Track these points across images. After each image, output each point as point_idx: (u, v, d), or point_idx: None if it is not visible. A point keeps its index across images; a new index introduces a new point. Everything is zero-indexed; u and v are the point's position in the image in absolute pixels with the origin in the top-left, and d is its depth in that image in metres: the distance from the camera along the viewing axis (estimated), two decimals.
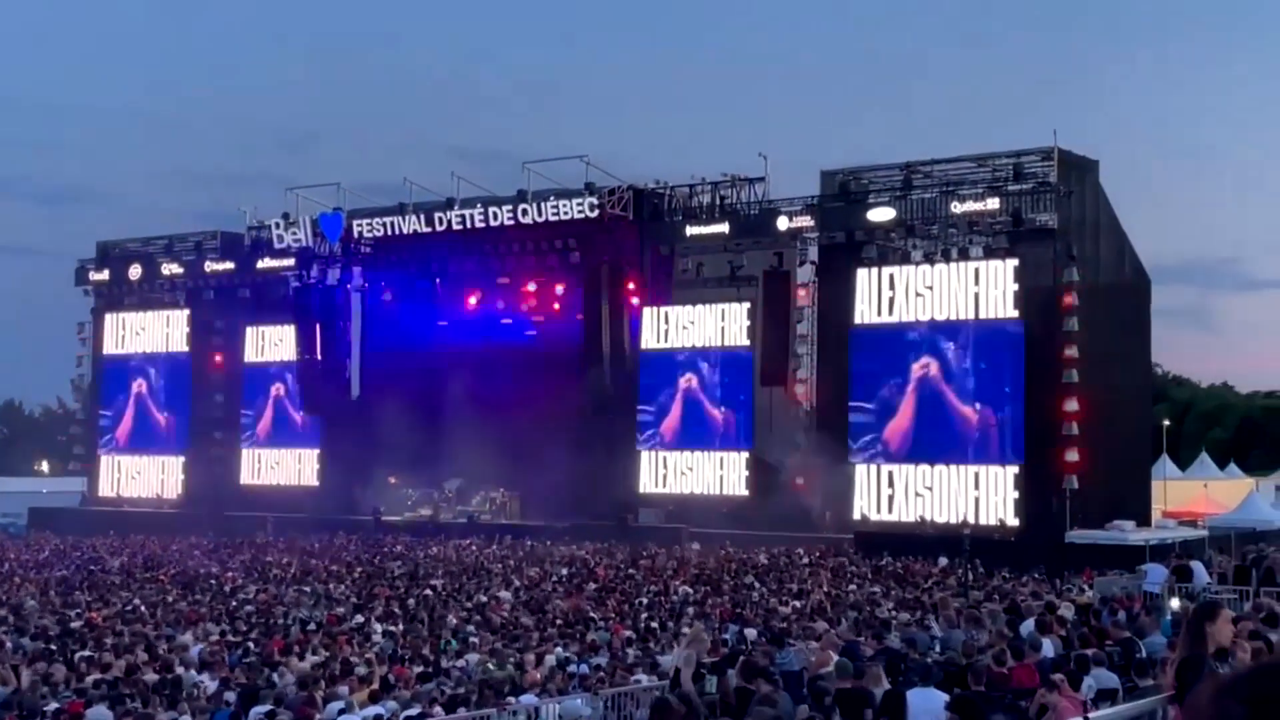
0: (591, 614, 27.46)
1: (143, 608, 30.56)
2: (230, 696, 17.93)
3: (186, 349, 65.13)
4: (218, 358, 63.89)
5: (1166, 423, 58.59)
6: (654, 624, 25.12)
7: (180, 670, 20.31)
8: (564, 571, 37.03)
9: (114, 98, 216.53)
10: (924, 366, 45.96)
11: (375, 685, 18.33)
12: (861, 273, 47.32)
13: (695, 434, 51.46)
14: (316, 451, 61.14)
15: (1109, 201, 47.18)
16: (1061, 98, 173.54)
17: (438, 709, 16.45)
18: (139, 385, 66.41)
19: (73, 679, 19.98)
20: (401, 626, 26.00)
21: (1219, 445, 68.31)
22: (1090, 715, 9.67)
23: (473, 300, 57.59)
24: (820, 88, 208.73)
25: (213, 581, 36.70)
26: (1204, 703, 2.12)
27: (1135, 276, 48.68)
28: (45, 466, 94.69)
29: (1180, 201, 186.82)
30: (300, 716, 15.90)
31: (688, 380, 51.48)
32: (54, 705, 17.24)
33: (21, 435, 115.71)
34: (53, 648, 23.64)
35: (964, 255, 45.62)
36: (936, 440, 45.55)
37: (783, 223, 49.06)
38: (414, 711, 16.13)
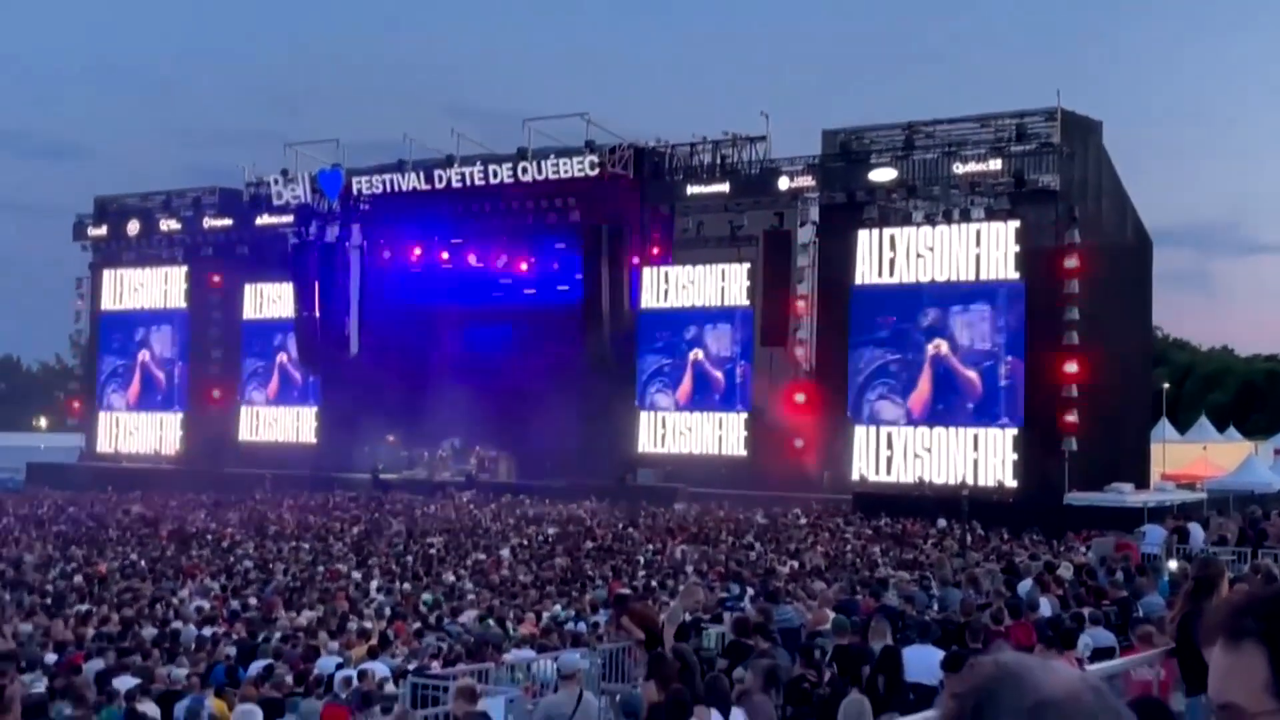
0: (590, 572, 27.53)
1: (141, 563, 30.66)
2: (228, 650, 17.98)
3: (185, 305, 65.09)
4: (216, 314, 63.86)
5: (1166, 386, 58.65)
6: (652, 582, 25.15)
7: (178, 624, 20.36)
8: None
9: (111, 53, 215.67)
10: (933, 333, 45.91)
11: (374, 641, 18.37)
12: (862, 233, 47.20)
13: (702, 398, 51.42)
14: (314, 409, 61.21)
15: (1112, 163, 46.98)
16: (1065, 58, 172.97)
17: (435, 664, 16.47)
18: (144, 343, 66.42)
19: (72, 632, 20.03)
20: (400, 584, 26.08)
21: (1218, 408, 68.31)
22: (1087, 668, 9.65)
23: (472, 258, 57.45)
24: (823, 47, 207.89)
25: (209, 537, 36.81)
26: (1223, 615, 2.12)
27: (1137, 238, 48.54)
28: (43, 422, 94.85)
29: (1183, 164, 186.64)
30: (297, 671, 15.92)
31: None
32: (53, 657, 17.27)
33: (20, 391, 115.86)
34: (49, 602, 23.71)
35: (965, 216, 45.50)
36: (936, 401, 45.60)
37: (784, 182, 48.88)
38: (411, 666, 16.16)
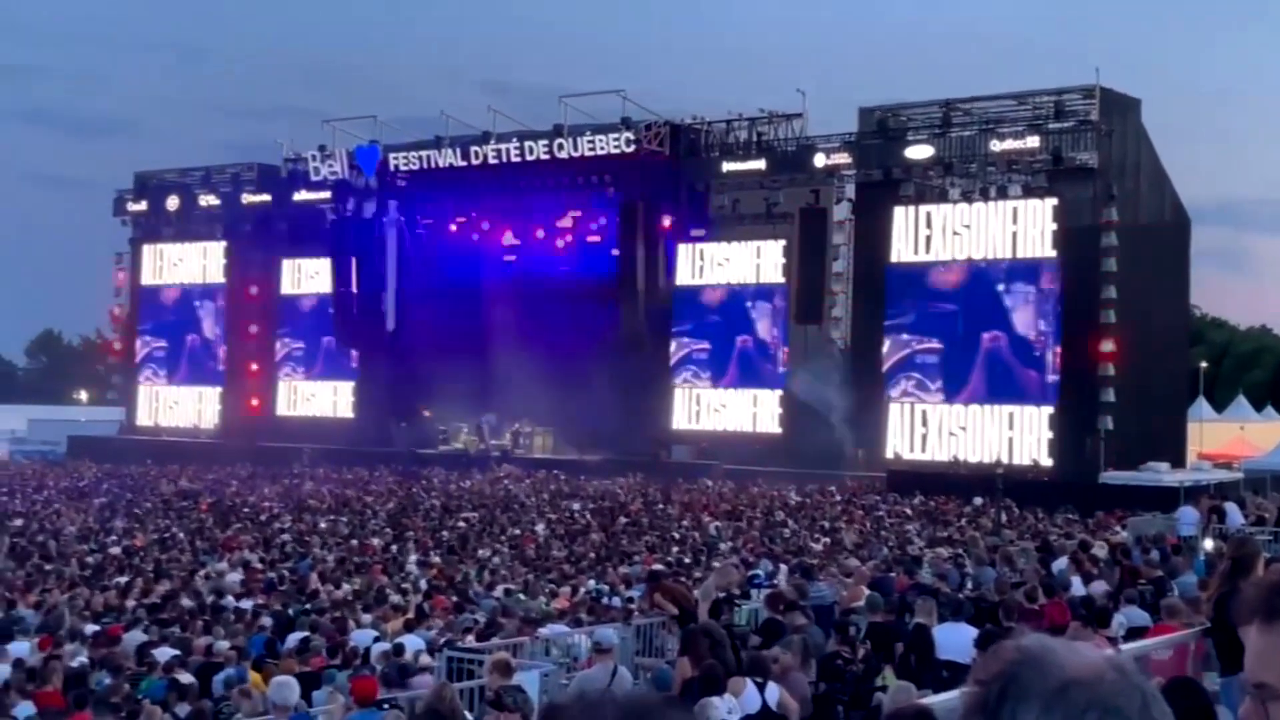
0: (624, 548, 27.61)
1: (181, 535, 30.93)
2: (266, 622, 18.14)
3: (223, 280, 65.47)
4: (254, 289, 64.16)
5: (1204, 365, 58.29)
6: (685, 558, 25.21)
7: (217, 596, 20.54)
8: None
9: (150, 28, 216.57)
10: (958, 306, 45.73)
11: (410, 615, 18.50)
12: (899, 211, 47.02)
13: (734, 371, 51.35)
14: (352, 384, 61.50)
15: (1150, 141, 46.65)
16: (1105, 35, 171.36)
17: (469, 638, 16.58)
18: (183, 317, 66.85)
19: (112, 604, 20.25)
20: (436, 558, 26.21)
21: (1256, 388, 67.72)
22: (1122, 647, 9.68)
23: (508, 235, 57.58)
24: (859, 23, 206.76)
25: (247, 510, 37.07)
26: (1259, 595, 2.13)
27: (1175, 217, 48.20)
28: (84, 396, 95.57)
29: (1223, 142, 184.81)
30: (333, 644, 16.07)
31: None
32: (93, 628, 17.47)
33: (61, 365, 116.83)
34: (88, 574, 23.96)
35: (1002, 194, 45.26)
36: (972, 379, 45.41)
37: (820, 160, 48.76)
38: (445, 639, 16.27)
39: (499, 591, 21.11)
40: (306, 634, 16.40)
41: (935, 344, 46.30)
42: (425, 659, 15.00)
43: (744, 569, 21.37)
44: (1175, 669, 9.69)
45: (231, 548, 28.24)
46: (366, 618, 18.48)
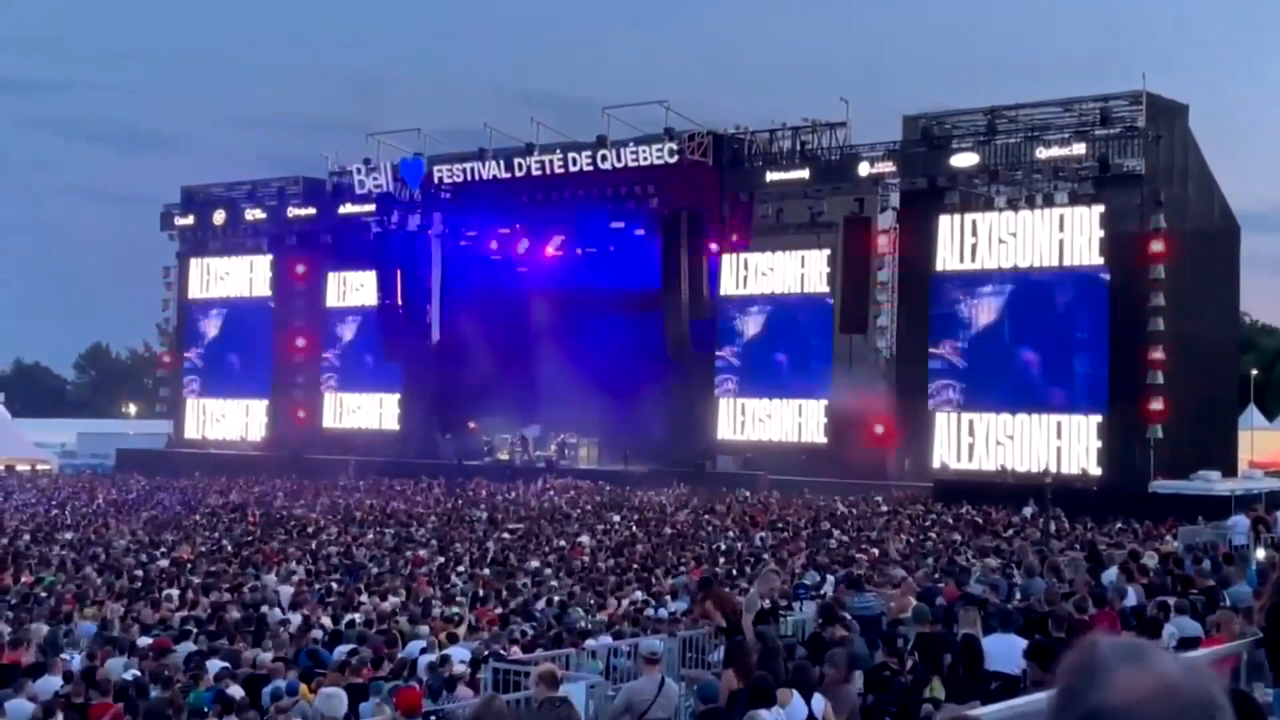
0: (670, 559, 27.53)
1: (229, 547, 31.09)
2: (317, 635, 18.18)
3: (269, 293, 65.89)
4: (300, 302, 64.55)
5: (1254, 372, 57.70)
6: (732, 570, 25.12)
7: (265, 608, 20.62)
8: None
9: (197, 43, 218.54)
10: (1005, 314, 45.51)
11: (456, 626, 18.49)
12: (943, 219, 46.81)
13: (778, 382, 51.30)
14: (397, 396, 61.74)
15: (1198, 146, 46.23)
16: (1151, 40, 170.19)
17: (515, 649, 16.57)
18: (229, 331, 67.33)
19: (162, 616, 20.35)
20: (483, 570, 26.23)
21: None
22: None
23: (552, 246, 57.69)
24: (903, 31, 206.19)
25: (292, 523, 37.22)
26: None
27: (1224, 223, 47.76)
28: (132, 409, 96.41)
29: (1273, 146, 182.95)
30: (380, 655, 16.08)
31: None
32: (146, 640, 17.57)
33: (109, 378, 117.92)
34: (138, 586, 24.11)
35: (1048, 201, 44.98)
36: (1019, 388, 45.12)
37: (864, 168, 48.57)
38: (487, 652, 16.26)
39: (541, 604, 21.11)
40: (354, 646, 16.42)
41: (982, 353, 46.03)
42: (459, 669, 15.00)
43: (787, 575, 21.28)
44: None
45: (277, 560, 28.35)
46: (417, 629, 18.48)
